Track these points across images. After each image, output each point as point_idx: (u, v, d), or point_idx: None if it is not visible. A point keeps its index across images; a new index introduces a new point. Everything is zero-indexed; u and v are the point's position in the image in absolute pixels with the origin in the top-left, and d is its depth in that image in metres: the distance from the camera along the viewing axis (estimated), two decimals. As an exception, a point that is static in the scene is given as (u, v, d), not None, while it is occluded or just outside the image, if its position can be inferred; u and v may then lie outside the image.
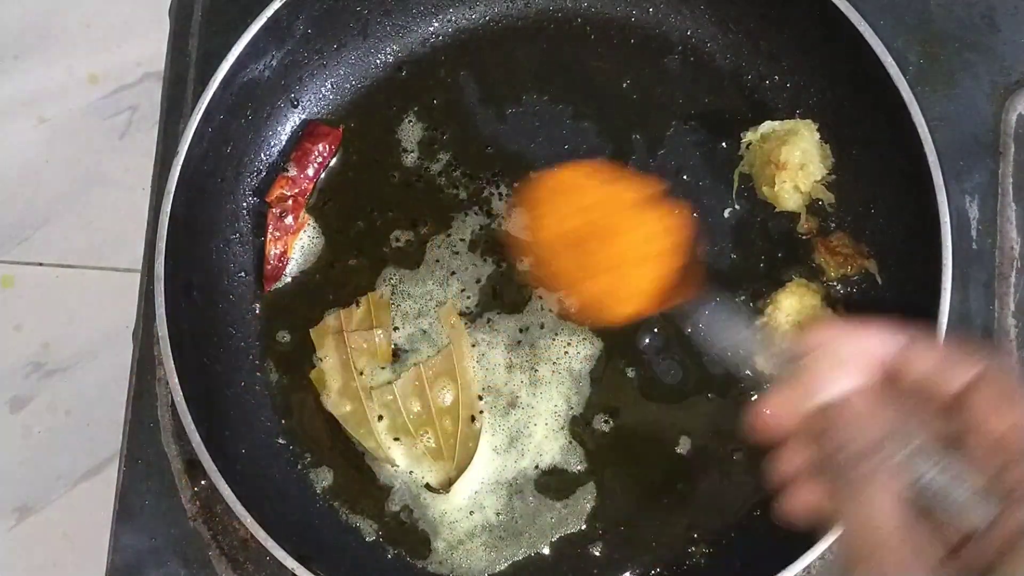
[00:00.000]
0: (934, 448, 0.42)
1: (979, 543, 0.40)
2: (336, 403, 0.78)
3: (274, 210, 0.81)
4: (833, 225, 0.79)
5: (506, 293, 0.80)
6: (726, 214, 0.81)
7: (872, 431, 0.41)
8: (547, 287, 0.77)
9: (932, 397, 0.43)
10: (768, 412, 0.46)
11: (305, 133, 0.83)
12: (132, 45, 1.15)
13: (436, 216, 0.82)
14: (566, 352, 0.78)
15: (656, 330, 0.78)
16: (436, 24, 0.85)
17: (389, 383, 0.78)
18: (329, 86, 0.84)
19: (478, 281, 0.80)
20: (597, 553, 0.76)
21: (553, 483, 0.77)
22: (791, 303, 0.76)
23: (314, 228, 0.82)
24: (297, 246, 0.82)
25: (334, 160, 0.83)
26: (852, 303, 0.78)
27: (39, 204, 1.12)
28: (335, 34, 0.83)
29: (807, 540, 0.68)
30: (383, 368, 0.78)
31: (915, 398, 0.44)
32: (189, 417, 0.71)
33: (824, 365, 0.43)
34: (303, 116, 0.84)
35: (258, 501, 0.71)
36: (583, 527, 0.76)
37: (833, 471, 0.42)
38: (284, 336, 0.80)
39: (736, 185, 0.81)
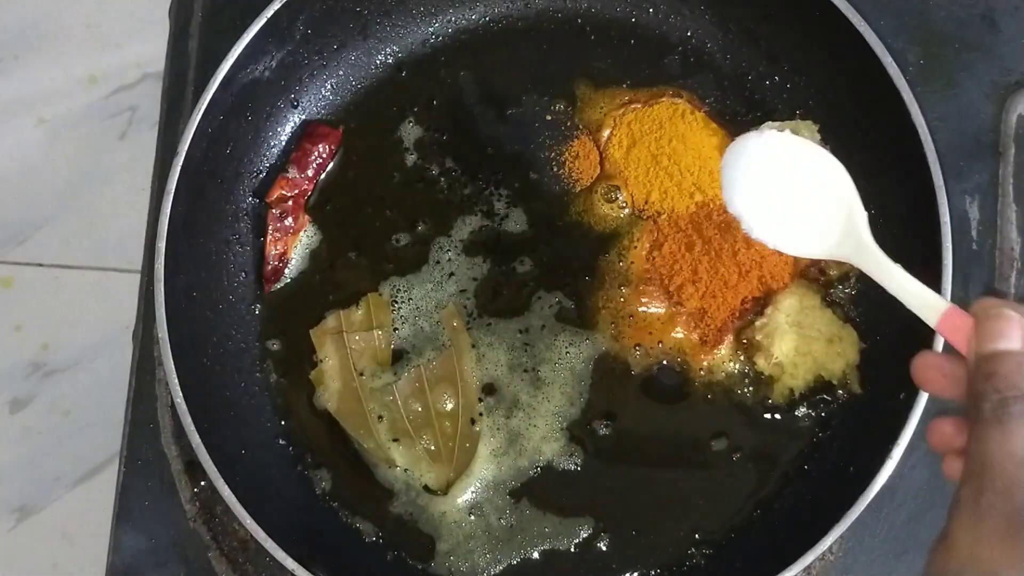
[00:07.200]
0: None
1: None
2: (336, 404, 0.78)
3: (274, 211, 0.81)
4: (833, 225, 0.79)
5: (506, 294, 0.80)
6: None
7: None
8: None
9: None
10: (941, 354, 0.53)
11: (305, 134, 0.83)
12: (132, 45, 1.15)
13: (436, 217, 0.82)
14: (567, 353, 0.78)
15: (651, 333, 0.78)
16: (436, 25, 0.85)
17: (389, 384, 0.78)
18: (329, 87, 0.84)
19: (478, 282, 0.80)
20: (597, 555, 0.76)
21: (553, 485, 0.77)
22: (791, 303, 0.76)
23: (314, 229, 0.82)
24: (297, 247, 0.82)
25: (334, 161, 0.83)
26: (852, 303, 0.78)
27: (39, 204, 1.12)
28: (335, 34, 0.83)
29: (807, 540, 0.68)
30: (383, 370, 0.78)
31: None
32: (189, 418, 0.71)
33: (1003, 322, 0.49)
34: (303, 117, 0.84)
35: (258, 502, 0.71)
36: (583, 529, 0.76)
37: (989, 407, 0.48)
38: (284, 337, 0.80)
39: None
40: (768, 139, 0.58)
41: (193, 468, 0.78)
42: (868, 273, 0.56)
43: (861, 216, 0.57)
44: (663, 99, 0.82)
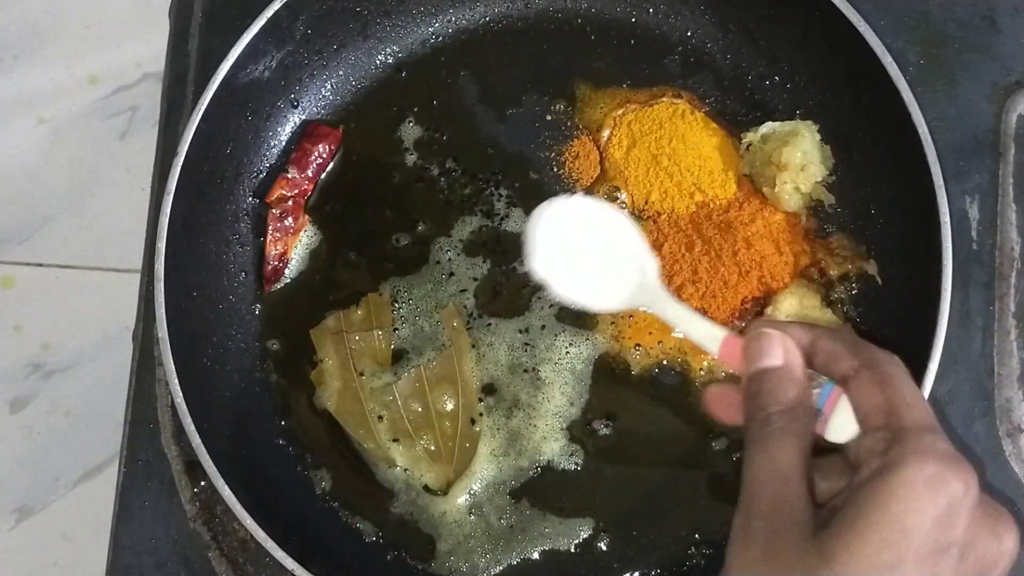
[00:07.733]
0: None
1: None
2: (336, 404, 0.78)
3: (274, 211, 0.81)
4: (833, 226, 0.79)
5: (506, 294, 0.80)
6: (726, 214, 0.80)
7: (789, 395, 0.50)
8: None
9: (831, 375, 0.53)
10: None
11: (305, 134, 0.83)
12: (132, 45, 1.15)
13: (436, 217, 0.82)
14: (567, 353, 0.78)
15: (651, 333, 0.78)
16: (436, 25, 0.85)
17: (389, 384, 0.78)
18: (329, 87, 0.84)
19: (478, 282, 0.80)
20: (597, 555, 0.76)
21: (553, 485, 0.76)
22: (791, 303, 0.76)
23: (314, 229, 0.82)
24: (297, 247, 0.82)
25: (334, 161, 0.83)
26: (852, 303, 0.78)
27: (39, 204, 1.12)
28: (335, 35, 0.83)
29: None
30: (383, 370, 0.78)
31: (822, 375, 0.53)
32: (189, 418, 0.71)
33: (764, 341, 0.52)
34: (303, 117, 0.84)
35: (258, 502, 0.71)
36: (583, 529, 0.76)
37: (756, 426, 0.50)
38: (284, 337, 0.80)
39: (736, 185, 0.81)
40: (562, 206, 0.62)
41: (193, 468, 0.78)
42: (658, 315, 0.60)
43: (652, 267, 0.61)
44: (663, 99, 0.82)
